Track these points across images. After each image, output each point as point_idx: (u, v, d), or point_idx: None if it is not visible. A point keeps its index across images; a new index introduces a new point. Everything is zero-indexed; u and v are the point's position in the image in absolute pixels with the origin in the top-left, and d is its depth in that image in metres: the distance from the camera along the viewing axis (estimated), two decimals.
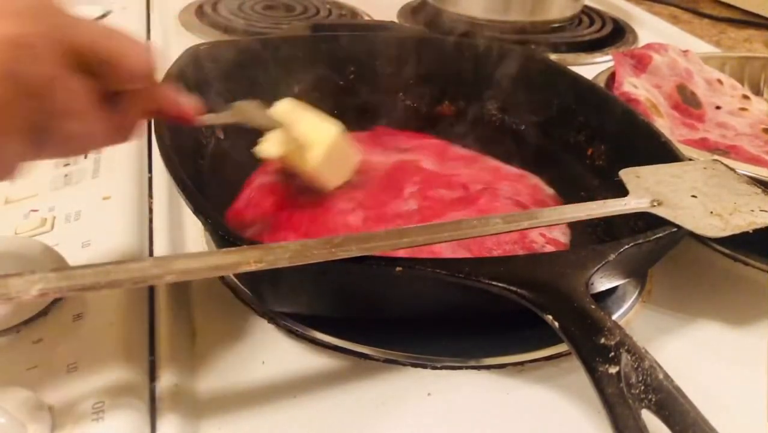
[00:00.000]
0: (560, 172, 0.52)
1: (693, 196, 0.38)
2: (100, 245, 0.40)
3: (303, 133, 0.44)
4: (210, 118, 0.38)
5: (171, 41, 0.75)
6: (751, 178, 0.41)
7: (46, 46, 0.25)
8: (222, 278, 0.41)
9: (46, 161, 0.49)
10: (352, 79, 0.58)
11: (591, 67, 0.66)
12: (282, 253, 0.29)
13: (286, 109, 0.45)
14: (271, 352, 0.36)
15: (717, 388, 0.36)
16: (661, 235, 0.35)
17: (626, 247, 0.34)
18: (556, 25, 0.87)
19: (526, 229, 0.38)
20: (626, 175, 0.40)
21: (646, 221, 0.38)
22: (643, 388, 0.27)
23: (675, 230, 0.35)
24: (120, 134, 0.31)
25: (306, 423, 0.32)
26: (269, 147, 0.45)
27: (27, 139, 0.25)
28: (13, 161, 0.26)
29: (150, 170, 0.50)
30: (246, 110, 0.41)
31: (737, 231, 0.35)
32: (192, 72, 0.48)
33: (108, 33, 0.28)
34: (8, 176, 0.26)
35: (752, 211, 0.37)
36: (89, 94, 0.27)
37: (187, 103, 0.34)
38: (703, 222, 0.36)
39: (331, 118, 0.46)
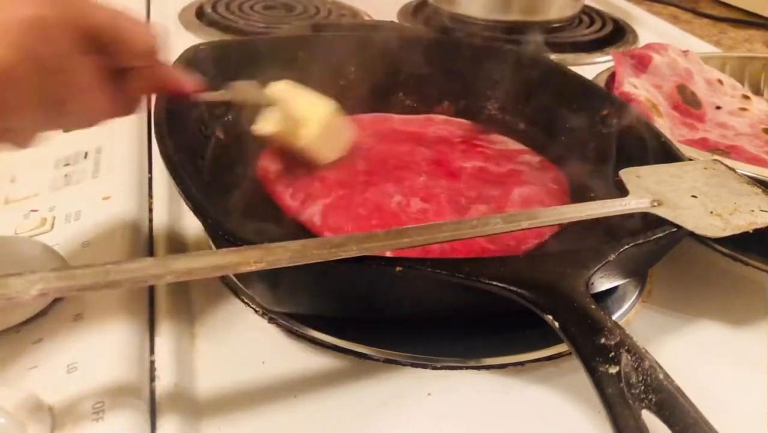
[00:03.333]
0: (560, 171, 0.52)
1: (693, 196, 0.38)
2: (100, 244, 0.40)
3: (298, 110, 0.46)
4: (209, 95, 0.40)
5: (171, 41, 0.75)
6: (751, 178, 0.41)
7: (61, 28, 0.27)
8: (222, 278, 0.41)
9: (46, 161, 0.49)
10: (353, 79, 0.58)
11: (591, 67, 0.66)
12: (282, 253, 0.29)
13: (282, 88, 0.47)
14: (271, 352, 0.36)
15: (717, 388, 0.36)
16: (661, 235, 0.35)
17: (626, 247, 0.34)
18: (556, 25, 0.87)
19: (527, 229, 0.38)
20: (626, 175, 0.40)
21: (646, 221, 0.38)
22: (643, 388, 0.27)
23: (675, 230, 0.35)
24: (124, 108, 0.33)
25: (306, 423, 0.32)
26: (265, 124, 0.47)
27: (42, 112, 0.28)
28: (31, 132, 0.29)
29: (150, 170, 0.50)
30: (243, 89, 0.43)
31: (737, 231, 0.35)
32: (192, 72, 0.48)
33: (116, 15, 0.30)
34: (26, 145, 0.30)
35: (752, 211, 0.37)
36: (98, 71, 0.30)
37: (187, 80, 0.37)
38: (703, 222, 0.36)
39: (325, 97, 0.48)
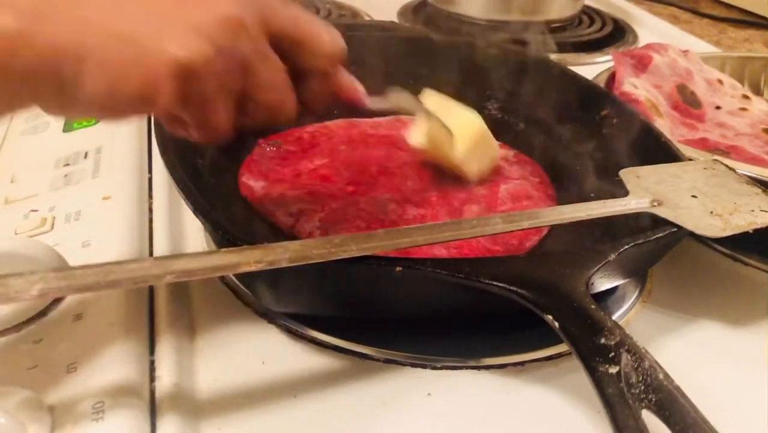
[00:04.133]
0: (560, 171, 0.52)
1: (693, 196, 0.38)
2: (100, 245, 0.40)
3: (452, 123, 0.46)
4: (374, 102, 0.39)
5: None
6: (751, 178, 0.41)
7: (256, 27, 0.29)
8: (222, 278, 0.41)
9: (46, 161, 0.49)
10: None
11: (591, 67, 0.66)
12: (282, 253, 0.29)
13: (434, 99, 0.48)
14: (271, 352, 0.36)
15: (717, 388, 0.36)
16: (661, 235, 0.35)
17: (626, 247, 0.34)
18: (556, 25, 0.87)
19: (527, 229, 0.38)
20: (626, 175, 0.40)
21: (646, 221, 0.38)
22: (643, 388, 0.27)
23: (675, 230, 0.35)
24: (307, 110, 0.34)
25: (306, 423, 0.32)
26: (421, 136, 0.49)
27: (232, 106, 0.29)
28: (225, 124, 0.30)
29: (150, 170, 0.50)
30: (401, 99, 0.43)
31: (737, 231, 0.35)
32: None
33: (306, 18, 0.32)
34: (220, 137, 0.30)
35: (752, 211, 0.37)
36: (284, 71, 0.31)
37: (359, 87, 0.37)
38: (703, 222, 0.36)
39: (470, 109, 0.49)
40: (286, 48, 0.31)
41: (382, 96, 0.41)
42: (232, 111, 0.30)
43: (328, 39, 0.32)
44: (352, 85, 0.36)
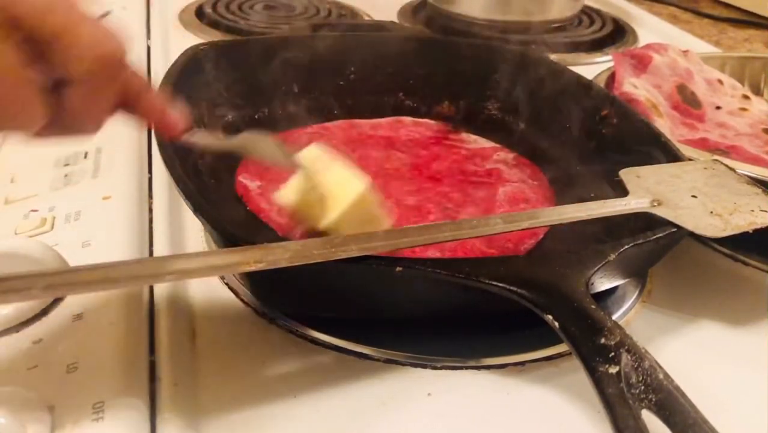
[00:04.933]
0: (560, 171, 0.52)
1: (693, 196, 0.38)
2: (100, 245, 0.40)
3: (326, 185, 0.37)
4: (202, 138, 0.33)
5: (171, 41, 0.75)
6: (751, 178, 0.41)
7: None
8: (222, 277, 0.40)
9: (46, 161, 0.49)
10: (352, 79, 0.58)
11: (591, 67, 0.66)
12: (282, 253, 0.29)
13: (313, 155, 0.39)
14: (271, 352, 0.36)
15: (717, 388, 0.36)
16: (661, 235, 0.35)
17: (626, 247, 0.34)
18: (556, 25, 0.87)
19: (527, 229, 0.38)
20: (626, 175, 0.40)
21: (646, 221, 0.38)
22: (643, 388, 0.27)
23: (675, 230, 0.35)
24: (71, 124, 0.28)
25: (306, 423, 0.32)
26: (289, 194, 0.39)
27: None
28: None
29: (150, 170, 0.50)
30: (258, 143, 0.36)
31: (737, 231, 0.35)
32: (192, 72, 0.48)
33: (57, 7, 0.25)
34: None
35: (752, 211, 0.37)
36: (24, 67, 0.24)
37: (172, 112, 0.29)
38: (703, 222, 0.36)
39: (359, 173, 0.39)
40: (38, 45, 0.24)
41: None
42: None
43: (91, 36, 0.25)
44: (154, 102, 0.29)
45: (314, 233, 0.37)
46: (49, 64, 0.25)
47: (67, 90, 0.26)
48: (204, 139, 0.33)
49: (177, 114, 0.30)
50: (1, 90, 0.24)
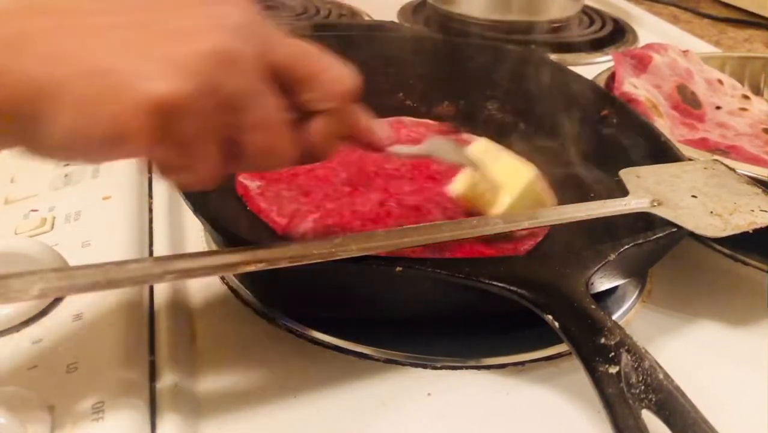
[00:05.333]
0: (560, 171, 0.52)
1: (693, 196, 0.38)
2: (100, 245, 0.40)
3: (496, 175, 0.42)
4: (403, 151, 0.37)
5: None
6: (751, 178, 0.41)
7: (249, 62, 0.25)
8: (222, 278, 0.41)
9: (47, 162, 0.49)
10: None
11: (591, 67, 0.66)
12: (282, 253, 0.29)
13: (482, 148, 0.44)
14: (271, 352, 0.36)
15: (717, 388, 0.36)
16: (661, 235, 0.35)
17: (626, 247, 0.34)
18: (556, 25, 0.87)
19: (527, 228, 0.38)
20: (626, 175, 0.40)
21: (646, 221, 0.38)
22: (643, 388, 0.27)
23: (675, 230, 0.35)
24: (309, 156, 0.30)
25: (306, 423, 0.32)
26: (460, 185, 0.44)
27: (221, 149, 0.26)
28: (213, 168, 0.27)
29: (150, 170, 0.50)
30: (442, 147, 0.39)
31: (737, 231, 0.35)
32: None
33: (308, 52, 0.28)
34: (210, 181, 0.27)
35: (752, 211, 0.37)
36: (282, 111, 0.27)
37: (380, 130, 0.33)
38: (703, 222, 0.36)
39: (526, 162, 0.44)
40: (288, 85, 0.28)
41: (417, 143, 0.38)
42: (220, 154, 0.26)
43: (336, 76, 0.29)
44: (369, 126, 0.32)
45: None
46: (298, 98, 0.28)
47: (313, 123, 0.29)
48: (400, 149, 0.36)
49: (382, 129, 0.33)
50: (270, 135, 0.27)
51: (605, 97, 0.52)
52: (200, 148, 0.26)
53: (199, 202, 0.35)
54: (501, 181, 0.42)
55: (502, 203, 0.42)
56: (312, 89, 0.28)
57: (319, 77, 0.28)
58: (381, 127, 0.33)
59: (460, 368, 0.36)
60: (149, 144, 0.24)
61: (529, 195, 0.43)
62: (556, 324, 0.30)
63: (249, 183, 0.48)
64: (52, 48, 0.23)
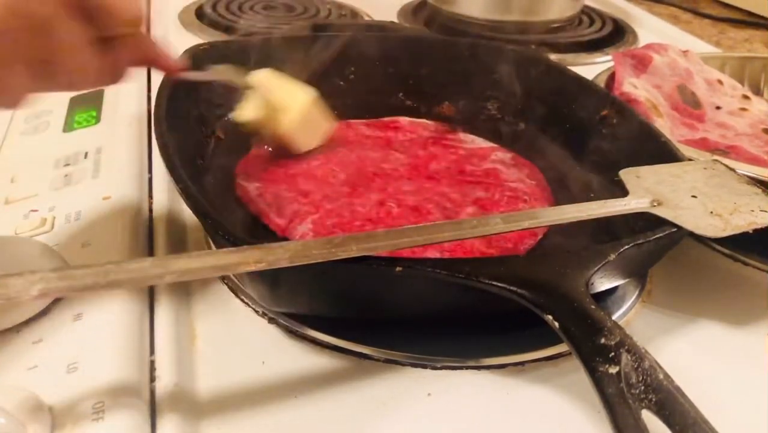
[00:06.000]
0: (560, 171, 0.52)
1: (693, 196, 0.38)
2: (100, 245, 0.40)
3: (278, 98, 0.48)
4: (191, 75, 0.41)
5: (171, 41, 0.75)
6: (751, 178, 0.41)
7: None
8: (222, 277, 0.41)
9: (46, 161, 0.49)
10: (352, 79, 0.58)
11: (591, 67, 0.66)
12: (282, 253, 0.29)
13: (263, 76, 0.48)
14: (271, 352, 0.36)
15: (717, 388, 0.36)
16: (661, 235, 0.35)
17: (626, 247, 0.34)
18: (556, 25, 0.87)
19: (527, 229, 0.38)
20: (626, 175, 0.40)
21: (646, 221, 0.38)
22: (643, 388, 0.27)
23: (675, 230, 0.35)
24: (110, 75, 0.35)
25: (306, 423, 0.32)
26: (246, 111, 0.48)
27: (29, 71, 0.30)
28: (18, 92, 0.30)
29: (150, 170, 0.50)
30: (225, 72, 0.45)
31: (737, 231, 0.35)
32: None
33: None
34: (14, 106, 0.31)
35: (752, 211, 0.37)
36: (85, 35, 0.31)
37: (170, 56, 0.38)
38: (703, 222, 0.36)
39: (306, 85, 0.50)
40: (87, 12, 0.31)
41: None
42: (29, 75, 0.30)
43: (126, 3, 0.33)
44: (157, 50, 0.37)
45: (276, 140, 0.50)
46: (96, 25, 0.32)
47: (112, 45, 0.34)
48: (193, 75, 0.42)
49: (175, 58, 0.39)
50: (75, 56, 0.31)
51: (605, 97, 0.52)
52: (8, 69, 0.29)
53: (199, 202, 0.35)
54: (283, 104, 0.48)
55: (286, 123, 0.49)
56: (108, 17, 0.32)
57: (111, 6, 0.32)
58: (170, 55, 0.38)
59: (460, 368, 0.36)
60: None
61: (309, 115, 0.50)
62: (556, 324, 0.30)
63: (247, 185, 0.48)
64: None
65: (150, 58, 0.37)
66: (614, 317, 0.39)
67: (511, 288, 0.31)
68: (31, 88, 0.31)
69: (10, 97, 0.31)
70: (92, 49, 0.32)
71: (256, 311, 0.38)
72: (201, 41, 0.54)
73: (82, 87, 0.34)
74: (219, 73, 0.45)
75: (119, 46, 0.34)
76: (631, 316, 0.41)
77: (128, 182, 0.47)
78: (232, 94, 0.50)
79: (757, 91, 0.68)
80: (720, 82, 0.64)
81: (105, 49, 0.33)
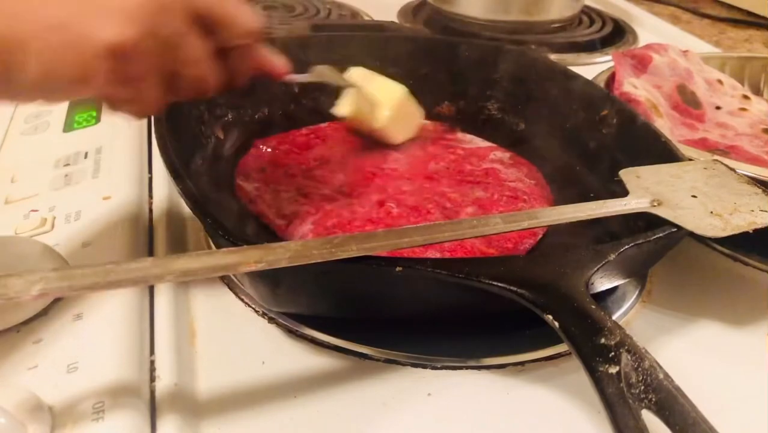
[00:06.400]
0: (560, 171, 0.52)
1: (693, 196, 0.38)
2: (100, 244, 0.40)
3: (373, 94, 0.51)
4: (296, 77, 0.43)
5: None
6: (751, 178, 0.41)
7: (177, 9, 0.31)
8: (222, 277, 0.41)
9: (46, 161, 0.49)
10: None
11: (591, 67, 0.66)
12: (282, 253, 0.29)
13: (358, 74, 0.52)
14: (271, 352, 0.36)
15: (717, 388, 0.36)
16: (661, 235, 0.35)
17: (626, 247, 0.34)
18: (556, 25, 0.87)
19: (526, 229, 0.38)
20: (626, 175, 0.40)
21: (646, 221, 0.38)
22: (643, 388, 0.27)
23: (675, 230, 0.35)
24: (228, 83, 0.37)
25: (306, 423, 0.32)
26: (344, 107, 0.53)
27: (161, 83, 0.32)
28: (152, 101, 0.33)
29: (150, 170, 0.50)
30: (324, 73, 0.47)
31: (737, 231, 0.35)
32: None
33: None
34: (147, 115, 0.37)
35: (752, 211, 0.37)
36: (206, 46, 0.34)
37: (279, 61, 0.40)
38: (703, 222, 0.36)
39: (396, 82, 0.53)
40: (209, 27, 0.33)
41: (305, 72, 0.44)
42: (162, 87, 0.32)
43: (245, 17, 0.35)
44: (269, 58, 0.39)
45: (372, 133, 0.53)
46: (216, 37, 0.34)
47: (230, 57, 0.36)
48: (297, 77, 0.43)
49: (281, 59, 0.40)
50: (199, 67, 0.33)
51: (605, 97, 0.52)
52: (145, 83, 0.31)
53: (199, 202, 0.35)
54: (378, 99, 0.51)
55: (382, 117, 0.52)
56: (227, 29, 0.34)
57: (231, 19, 0.34)
58: (279, 59, 0.40)
59: (460, 368, 0.36)
60: (106, 83, 0.29)
61: (403, 108, 0.53)
62: (556, 324, 0.30)
63: (247, 185, 0.48)
64: (12, 8, 0.27)
65: (262, 65, 0.39)
66: (614, 317, 0.39)
67: (511, 288, 0.31)
68: (162, 98, 0.33)
69: (146, 107, 0.33)
70: (213, 60, 0.34)
71: (256, 311, 0.38)
72: None
73: (203, 95, 0.35)
74: (319, 73, 0.46)
75: (236, 55, 0.36)
76: (631, 316, 0.41)
77: (128, 182, 0.47)
78: (231, 95, 0.50)
79: (757, 91, 0.68)
80: (720, 82, 0.64)
81: (223, 58, 0.35)
